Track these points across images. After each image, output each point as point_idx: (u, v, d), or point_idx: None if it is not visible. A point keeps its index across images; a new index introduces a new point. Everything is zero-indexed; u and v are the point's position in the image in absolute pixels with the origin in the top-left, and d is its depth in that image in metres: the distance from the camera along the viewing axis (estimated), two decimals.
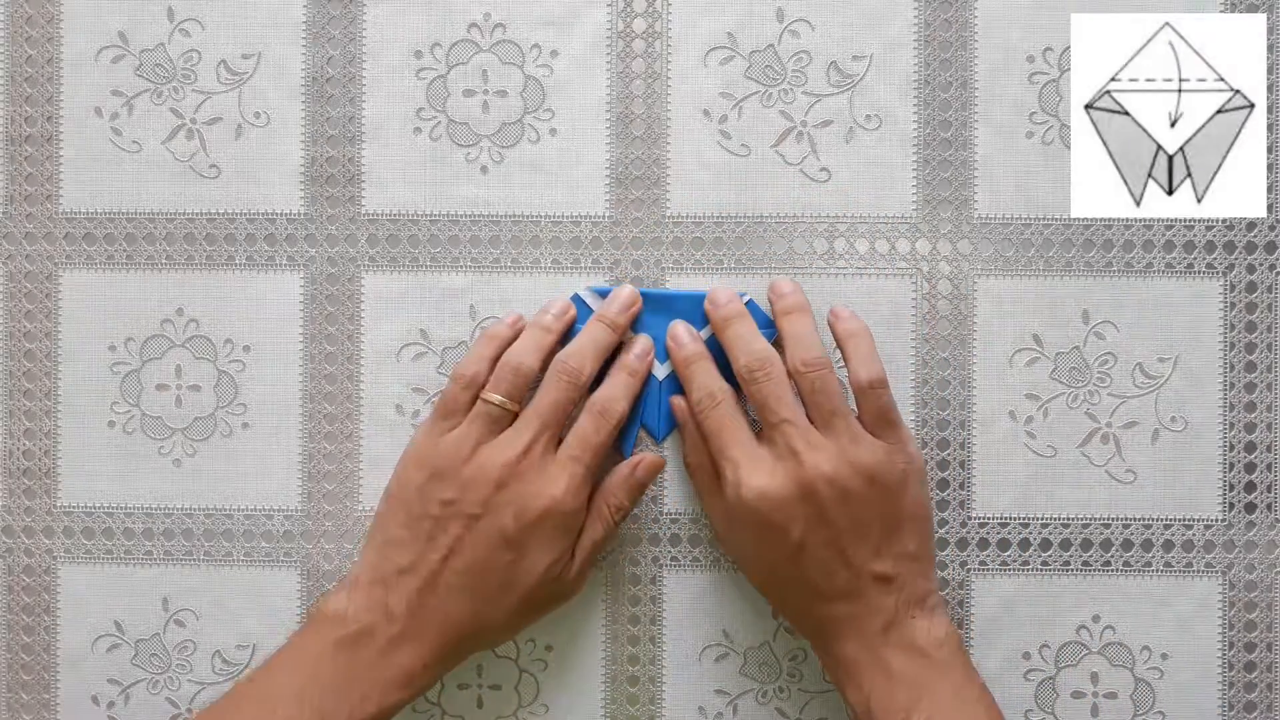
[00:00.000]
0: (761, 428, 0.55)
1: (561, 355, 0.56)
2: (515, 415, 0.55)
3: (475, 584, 0.53)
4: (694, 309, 0.58)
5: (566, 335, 0.57)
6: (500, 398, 0.55)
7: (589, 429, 0.55)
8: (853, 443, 0.53)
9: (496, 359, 0.56)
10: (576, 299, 0.58)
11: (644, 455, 0.57)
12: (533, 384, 0.56)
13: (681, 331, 0.57)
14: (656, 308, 0.58)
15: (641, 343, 0.57)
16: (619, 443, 0.58)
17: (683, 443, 0.58)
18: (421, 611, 0.53)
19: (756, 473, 0.53)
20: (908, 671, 0.52)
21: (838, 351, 0.56)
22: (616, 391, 0.56)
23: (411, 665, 0.53)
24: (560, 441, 0.55)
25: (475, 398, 0.55)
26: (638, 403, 0.57)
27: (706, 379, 0.56)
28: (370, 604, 0.53)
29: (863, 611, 0.53)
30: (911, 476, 0.54)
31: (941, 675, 0.52)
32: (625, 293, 0.57)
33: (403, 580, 0.53)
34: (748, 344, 0.55)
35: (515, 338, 0.57)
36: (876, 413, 0.54)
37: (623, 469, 0.57)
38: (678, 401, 0.57)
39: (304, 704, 0.52)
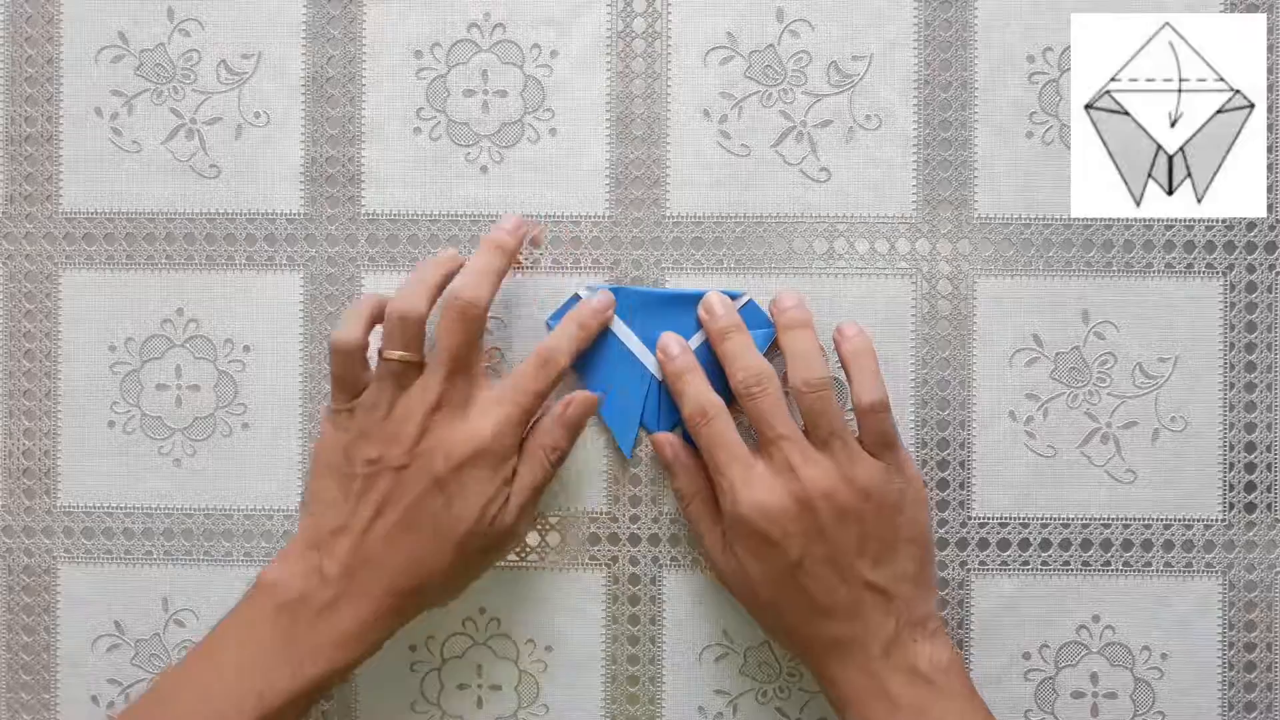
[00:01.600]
0: (758, 442, 0.55)
1: (451, 288, 0.54)
2: (419, 364, 0.54)
3: (409, 533, 0.53)
4: (692, 309, 0.58)
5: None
6: (399, 353, 0.53)
7: (529, 375, 0.54)
8: (850, 461, 0.53)
9: (369, 323, 0.55)
10: (575, 300, 0.58)
11: (576, 394, 0.56)
12: (423, 326, 0.54)
13: (671, 343, 0.57)
14: (654, 307, 0.58)
15: (601, 298, 0.57)
16: (619, 442, 0.58)
17: (672, 476, 0.57)
18: (356, 572, 0.52)
19: (754, 487, 0.53)
20: (911, 698, 0.52)
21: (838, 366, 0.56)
22: (562, 343, 0.55)
23: (349, 627, 0.52)
24: (469, 377, 0.54)
25: (363, 361, 0.54)
26: (635, 398, 0.57)
27: (698, 394, 0.55)
28: (305, 570, 0.53)
29: (862, 631, 0.52)
30: (909, 498, 0.54)
31: (946, 703, 0.52)
32: (512, 219, 0.56)
33: (336, 541, 0.53)
34: (744, 360, 0.55)
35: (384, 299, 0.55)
36: (877, 435, 0.54)
37: (555, 408, 0.56)
38: (661, 440, 0.57)
39: (245, 674, 0.51)
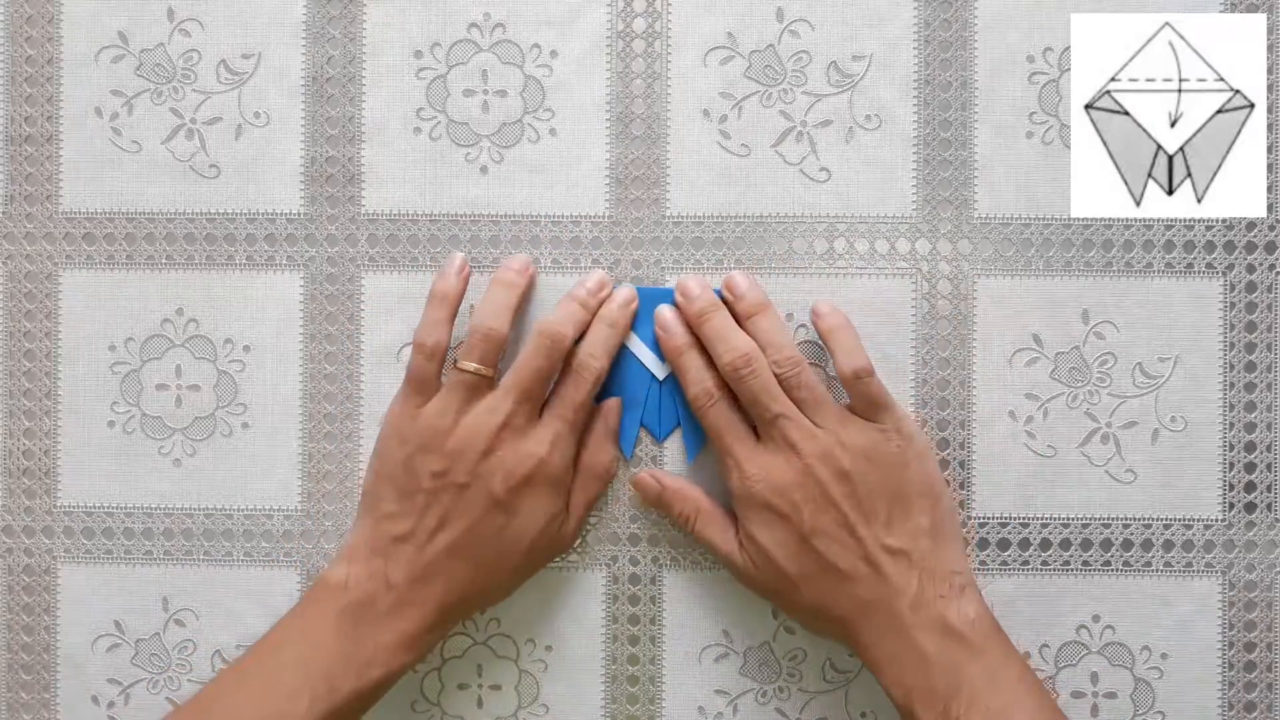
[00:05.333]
0: (757, 423, 0.55)
1: (545, 321, 0.56)
2: (490, 379, 0.55)
3: (472, 551, 0.54)
4: None
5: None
6: (475, 365, 0.55)
7: (570, 388, 0.56)
8: (843, 426, 0.54)
9: (452, 319, 0.56)
10: None
11: (605, 403, 0.57)
12: (505, 346, 0.56)
13: (669, 318, 0.57)
14: (654, 305, 0.58)
15: (623, 293, 0.57)
16: (620, 442, 0.58)
17: (666, 507, 0.57)
18: (421, 579, 0.54)
19: (759, 463, 0.54)
20: (942, 656, 0.52)
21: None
22: (595, 348, 0.56)
23: (413, 630, 0.54)
24: (534, 403, 0.55)
25: (441, 365, 0.56)
26: (636, 398, 0.58)
27: (701, 374, 0.56)
28: (370, 573, 0.54)
29: (887, 592, 0.53)
30: (911, 454, 0.54)
31: (977, 656, 0.52)
32: (595, 276, 0.57)
33: (400, 549, 0.54)
34: (729, 340, 0.55)
35: (464, 287, 0.57)
36: (866, 400, 0.55)
37: (597, 426, 0.57)
38: (643, 479, 0.57)
39: (309, 673, 0.52)
